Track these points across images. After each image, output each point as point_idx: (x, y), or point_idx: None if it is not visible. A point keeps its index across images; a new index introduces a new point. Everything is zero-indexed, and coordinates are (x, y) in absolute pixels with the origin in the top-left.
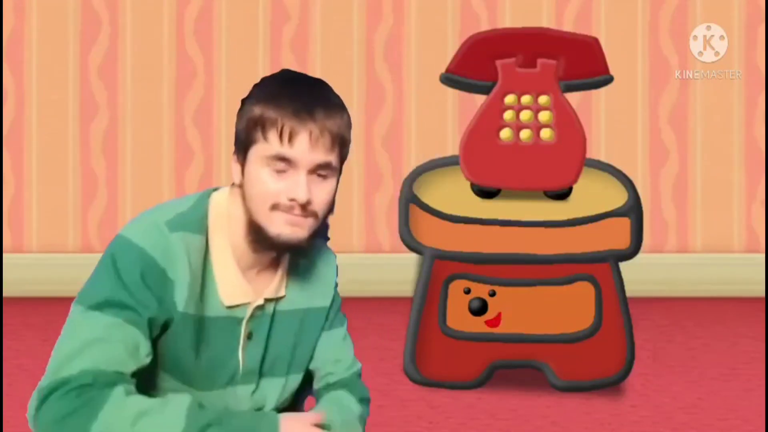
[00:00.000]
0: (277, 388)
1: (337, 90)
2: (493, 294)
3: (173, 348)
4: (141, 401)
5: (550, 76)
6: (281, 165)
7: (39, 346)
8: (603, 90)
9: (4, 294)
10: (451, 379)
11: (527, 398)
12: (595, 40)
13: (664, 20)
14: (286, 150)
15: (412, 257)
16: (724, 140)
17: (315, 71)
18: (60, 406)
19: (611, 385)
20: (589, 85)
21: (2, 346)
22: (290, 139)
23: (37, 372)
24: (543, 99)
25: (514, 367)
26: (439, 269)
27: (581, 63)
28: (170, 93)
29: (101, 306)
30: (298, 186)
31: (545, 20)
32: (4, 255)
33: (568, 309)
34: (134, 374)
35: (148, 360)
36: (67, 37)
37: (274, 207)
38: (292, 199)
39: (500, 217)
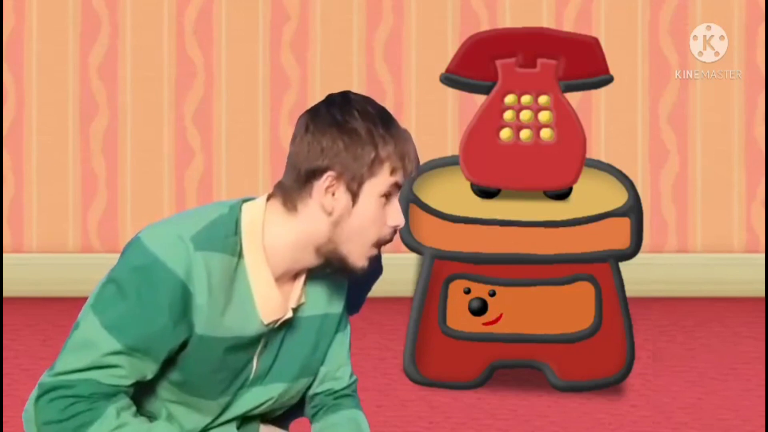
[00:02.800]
0: (281, 390)
1: (336, 90)
2: (493, 294)
3: (191, 369)
4: (128, 425)
5: (550, 76)
6: (389, 197)
7: (39, 346)
8: (603, 90)
9: (4, 294)
10: (451, 379)
11: (527, 398)
12: (595, 40)
13: (664, 20)
14: (400, 180)
15: (412, 257)
16: (724, 140)
17: (315, 71)
18: (51, 410)
19: (611, 385)
20: (589, 85)
21: (2, 346)
22: (404, 172)
23: (37, 372)
24: (543, 99)
25: (514, 367)
26: (439, 269)
27: (581, 63)
28: (170, 93)
29: (119, 331)
30: (400, 212)
31: (545, 20)
32: (4, 255)
33: (568, 309)
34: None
35: (149, 377)
36: (67, 37)
37: (379, 242)
38: (395, 227)
39: (500, 217)
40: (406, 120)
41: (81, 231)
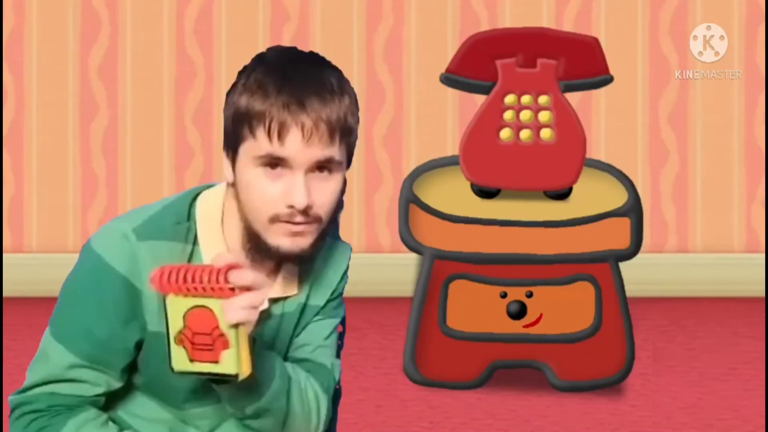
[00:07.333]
0: None
1: None
2: (530, 295)
3: (151, 369)
4: None
5: (550, 76)
6: (274, 166)
7: (39, 347)
8: (603, 90)
9: (4, 294)
10: (451, 379)
11: (527, 398)
12: (595, 40)
13: (664, 20)
14: (276, 149)
15: (412, 257)
16: (724, 140)
17: None
18: (17, 429)
19: (611, 385)
20: (589, 85)
21: (2, 346)
22: (280, 135)
23: None
24: (543, 99)
25: (514, 367)
26: (439, 269)
27: (581, 63)
28: (170, 93)
29: (67, 340)
30: (295, 189)
31: (545, 20)
32: (4, 255)
33: (568, 309)
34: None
35: (117, 386)
36: (67, 37)
37: (274, 219)
38: (290, 206)
39: (500, 217)
40: (406, 120)
41: (81, 231)
